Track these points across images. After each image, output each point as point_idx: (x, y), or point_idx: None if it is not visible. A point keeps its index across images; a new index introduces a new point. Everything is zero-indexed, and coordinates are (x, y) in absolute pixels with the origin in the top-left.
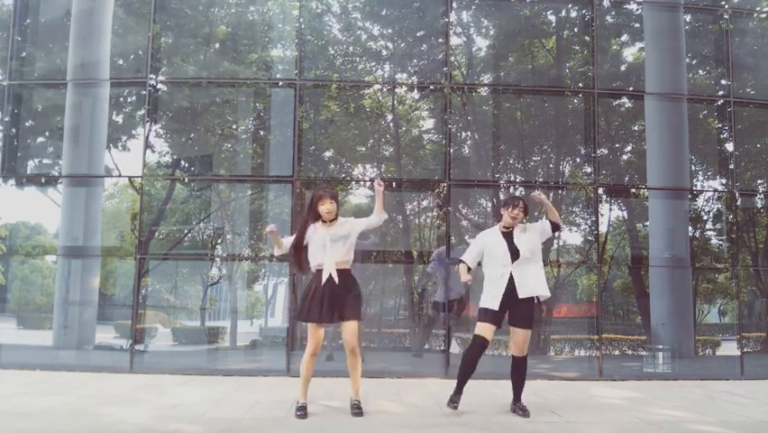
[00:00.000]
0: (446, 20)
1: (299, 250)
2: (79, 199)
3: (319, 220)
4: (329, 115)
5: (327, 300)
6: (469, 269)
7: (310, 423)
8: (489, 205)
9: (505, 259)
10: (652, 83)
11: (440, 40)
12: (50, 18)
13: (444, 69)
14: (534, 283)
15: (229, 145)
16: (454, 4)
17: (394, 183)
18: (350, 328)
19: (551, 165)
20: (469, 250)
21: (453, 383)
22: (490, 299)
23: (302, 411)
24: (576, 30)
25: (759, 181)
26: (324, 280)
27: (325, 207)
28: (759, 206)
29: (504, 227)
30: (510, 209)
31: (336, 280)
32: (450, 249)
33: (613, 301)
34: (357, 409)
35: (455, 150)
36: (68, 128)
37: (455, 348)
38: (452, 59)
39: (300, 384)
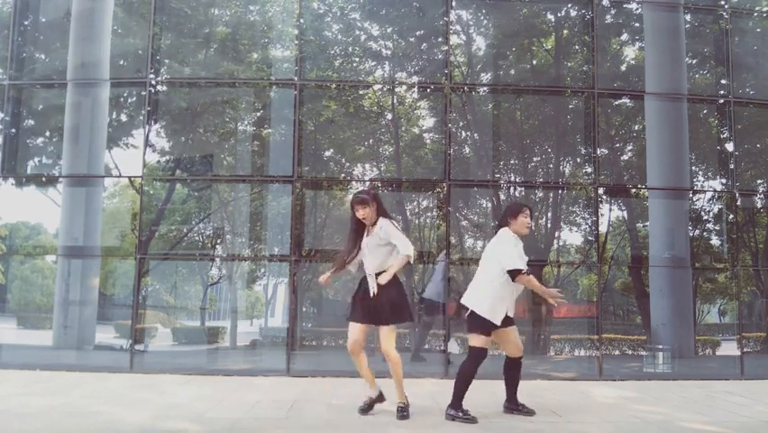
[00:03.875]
0: (446, 20)
1: (347, 260)
2: (79, 199)
3: (365, 226)
4: (329, 115)
5: (370, 304)
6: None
7: (310, 423)
8: (489, 205)
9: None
10: (652, 83)
11: (440, 39)
12: (50, 18)
13: (444, 69)
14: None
15: (229, 145)
16: (454, 4)
17: (394, 183)
18: (382, 334)
19: (551, 165)
20: (519, 255)
21: (453, 383)
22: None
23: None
24: (576, 29)
25: (759, 181)
26: (369, 285)
27: (360, 214)
28: (759, 206)
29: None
30: (527, 216)
31: (375, 288)
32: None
33: (613, 301)
34: (400, 413)
35: (455, 150)
36: (68, 128)
37: (455, 348)
38: (452, 58)
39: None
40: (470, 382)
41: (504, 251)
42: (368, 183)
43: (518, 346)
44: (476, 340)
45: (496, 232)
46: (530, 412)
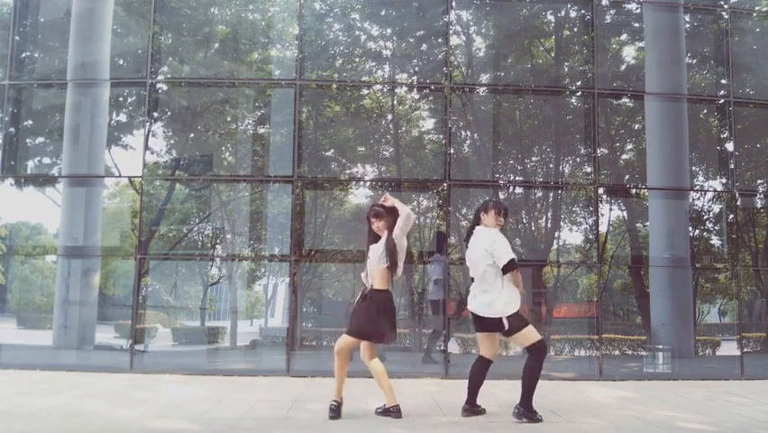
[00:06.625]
0: (446, 20)
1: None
2: (79, 199)
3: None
4: (329, 116)
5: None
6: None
7: (310, 423)
8: None
9: None
10: (652, 83)
11: (440, 40)
12: (50, 18)
13: (444, 69)
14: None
15: (229, 145)
16: (454, 4)
17: (394, 183)
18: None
19: (551, 165)
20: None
21: (453, 383)
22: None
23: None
24: (576, 29)
25: (759, 181)
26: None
27: (374, 226)
28: (759, 206)
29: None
30: (502, 214)
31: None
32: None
33: (613, 301)
34: (387, 412)
35: (455, 150)
36: (68, 128)
37: (455, 348)
38: (452, 59)
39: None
40: (538, 378)
41: (499, 245)
42: (368, 183)
43: (497, 349)
44: (529, 336)
45: (470, 233)
46: (483, 411)
